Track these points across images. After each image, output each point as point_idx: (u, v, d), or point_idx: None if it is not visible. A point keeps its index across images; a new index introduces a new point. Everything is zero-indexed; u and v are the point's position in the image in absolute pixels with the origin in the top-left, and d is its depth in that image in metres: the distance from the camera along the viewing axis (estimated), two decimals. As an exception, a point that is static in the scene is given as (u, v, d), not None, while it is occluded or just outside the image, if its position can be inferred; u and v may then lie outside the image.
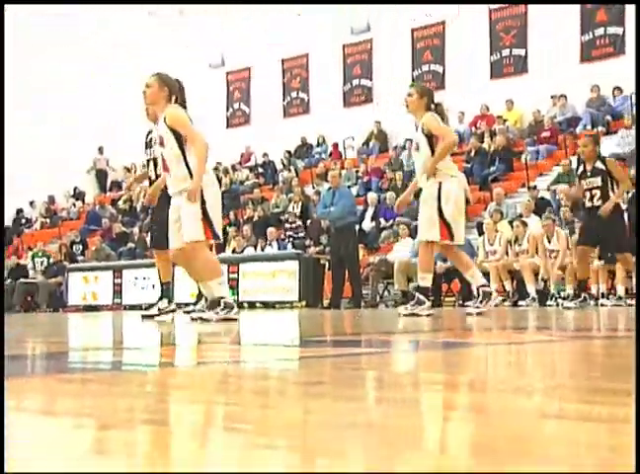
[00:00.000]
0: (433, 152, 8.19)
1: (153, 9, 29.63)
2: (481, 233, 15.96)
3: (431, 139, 8.22)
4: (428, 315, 8.30)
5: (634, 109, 19.76)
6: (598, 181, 10.61)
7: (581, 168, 11.12)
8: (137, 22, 29.68)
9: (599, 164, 10.80)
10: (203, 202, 7.52)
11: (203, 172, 7.55)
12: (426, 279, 8.57)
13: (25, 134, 28.03)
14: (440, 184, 8.17)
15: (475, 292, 8.73)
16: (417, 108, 8.39)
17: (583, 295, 11.41)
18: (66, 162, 28.39)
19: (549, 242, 14.31)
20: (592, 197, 10.70)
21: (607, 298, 13.60)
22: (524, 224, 15.20)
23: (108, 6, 29.12)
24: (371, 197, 19.67)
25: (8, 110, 27.92)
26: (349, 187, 21.35)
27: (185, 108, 8.04)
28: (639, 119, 17.14)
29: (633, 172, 16.02)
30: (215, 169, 26.19)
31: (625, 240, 11.00)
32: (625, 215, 11.24)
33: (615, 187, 10.72)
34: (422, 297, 8.50)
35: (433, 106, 8.44)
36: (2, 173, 21.44)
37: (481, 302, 8.49)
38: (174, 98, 7.95)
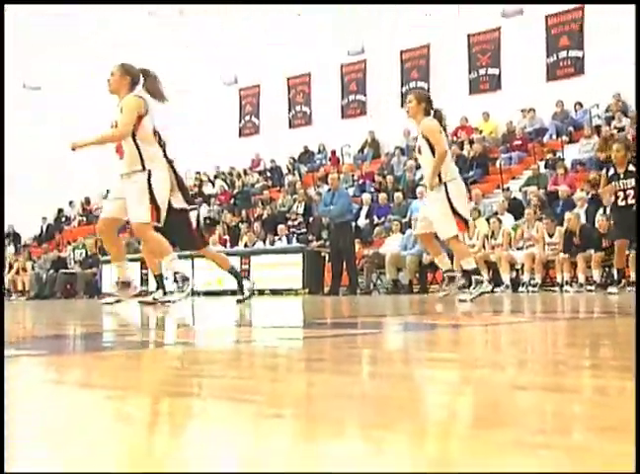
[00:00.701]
0: (433, 154, 7.97)
1: (170, 21, 28.59)
2: (461, 229, 15.98)
3: (430, 143, 8.01)
4: (491, 291, 8.14)
5: (592, 121, 19.85)
6: (632, 182, 10.64)
7: (612, 171, 11.06)
8: (140, 24, 28.45)
9: (631, 167, 10.81)
10: (151, 187, 7.36)
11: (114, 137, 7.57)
12: (470, 263, 8.31)
13: (64, 144, 27.92)
14: (446, 185, 8.01)
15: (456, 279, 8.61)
16: (416, 113, 8.11)
17: (623, 281, 11.45)
18: (99, 167, 28.33)
19: (550, 237, 14.29)
20: (625, 197, 10.71)
21: (570, 286, 13.62)
22: (499, 221, 15.23)
23: (108, 6, 27.60)
24: (366, 197, 19.67)
25: (49, 117, 27.68)
26: (346, 188, 21.36)
27: (156, 96, 7.67)
28: (639, 121, 17.00)
29: (592, 175, 16.05)
30: (230, 173, 26.25)
31: None
32: None
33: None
34: (478, 277, 8.27)
35: (432, 111, 8.15)
36: (2, 175, 20.70)
37: (447, 286, 8.40)
38: (136, 86, 7.63)
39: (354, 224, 18.92)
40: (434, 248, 8.69)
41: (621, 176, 10.80)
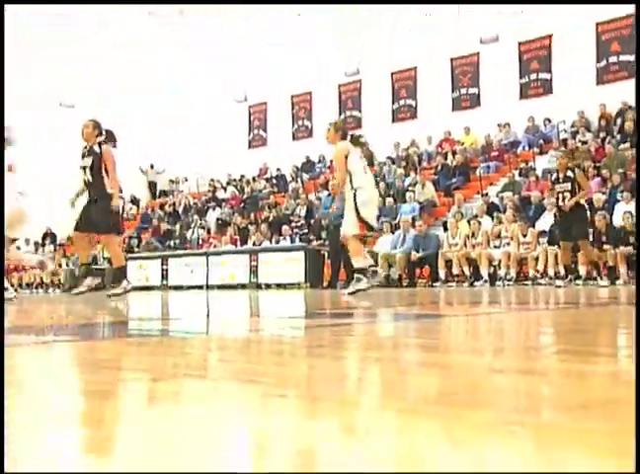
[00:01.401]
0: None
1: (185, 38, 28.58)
2: (445, 229, 15.97)
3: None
4: (367, 288, 8.19)
5: (560, 135, 19.90)
6: (568, 186, 10.78)
7: (554, 176, 11.25)
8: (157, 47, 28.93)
9: (569, 173, 10.90)
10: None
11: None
12: (359, 261, 8.43)
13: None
14: (355, 193, 8.19)
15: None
16: (333, 139, 8.46)
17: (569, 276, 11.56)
18: (124, 177, 28.35)
19: (524, 236, 14.30)
20: (563, 199, 10.85)
21: (542, 278, 13.64)
22: (479, 223, 15.23)
23: (108, 6, 26.47)
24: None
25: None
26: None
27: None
28: (639, 122, 16.96)
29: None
30: (240, 180, 26.25)
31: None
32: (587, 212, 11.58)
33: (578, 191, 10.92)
34: (360, 276, 8.33)
35: (348, 137, 8.51)
36: (2, 176, 20.46)
37: (357, 282, 8.35)
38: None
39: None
40: (355, 247, 8.69)
41: (560, 180, 10.91)
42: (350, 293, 8.12)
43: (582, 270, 12.49)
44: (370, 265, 8.50)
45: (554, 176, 11.29)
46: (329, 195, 15.76)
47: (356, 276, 8.44)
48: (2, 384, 1.27)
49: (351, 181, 8.17)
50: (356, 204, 8.17)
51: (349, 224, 8.33)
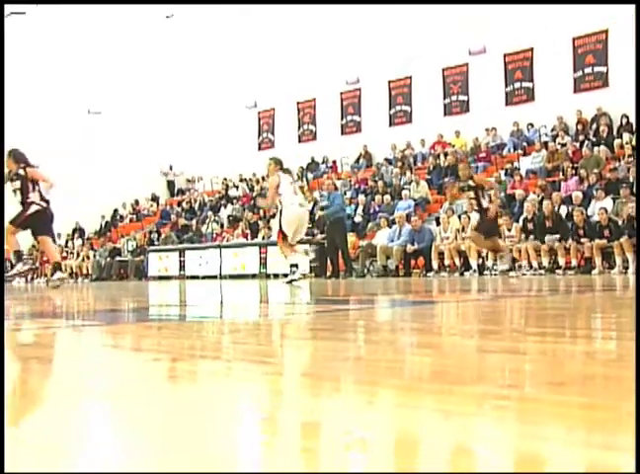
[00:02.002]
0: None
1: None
2: (438, 224, 15.96)
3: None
4: (299, 279, 9.78)
5: (541, 138, 19.87)
6: (471, 194, 10.78)
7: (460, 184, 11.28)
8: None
9: (470, 182, 10.95)
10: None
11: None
12: (290, 258, 9.91)
13: (118, 159, 27.88)
14: (281, 210, 9.50)
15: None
16: (272, 172, 9.79)
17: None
18: (144, 177, 28.39)
19: (509, 231, 14.27)
20: (470, 204, 10.98)
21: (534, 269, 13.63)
22: (469, 218, 15.18)
23: (125, 12, 26.21)
24: (361, 198, 19.62)
25: (108, 138, 27.67)
26: (345, 192, 21.35)
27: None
28: (639, 123, 16.89)
29: (541, 182, 16.05)
30: (250, 179, 26.24)
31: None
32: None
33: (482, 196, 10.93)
34: (294, 269, 10.10)
35: (283, 169, 9.81)
36: (2, 177, 20.44)
37: (293, 273, 9.95)
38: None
39: (350, 221, 18.98)
40: (287, 247, 9.81)
41: (465, 189, 11.00)
42: (287, 282, 9.68)
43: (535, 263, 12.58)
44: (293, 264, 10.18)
45: (460, 184, 11.26)
46: (321, 195, 15.76)
47: (293, 269, 10.13)
48: (2, 384, 1.26)
49: (280, 202, 9.47)
50: (280, 219, 9.52)
51: (274, 232, 10.03)
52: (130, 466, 0.82)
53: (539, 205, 14.47)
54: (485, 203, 10.92)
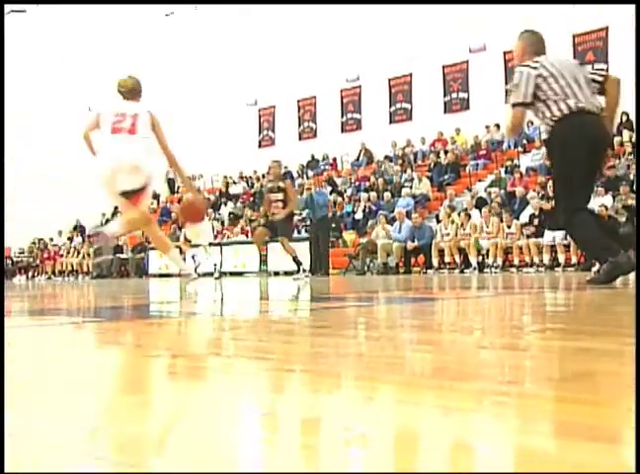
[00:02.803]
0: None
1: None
2: (438, 221, 15.95)
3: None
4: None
5: (541, 135, 19.85)
6: (280, 196, 10.79)
7: (270, 185, 11.22)
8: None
9: (281, 184, 10.94)
10: None
11: None
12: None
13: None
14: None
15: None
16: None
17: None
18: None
19: (509, 228, 14.28)
20: (277, 207, 10.79)
21: (530, 267, 13.64)
22: (469, 216, 15.19)
23: (125, 11, 26.14)
24: (362, 196, 19.62)
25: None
26: (345, 190, 21.34)
27: None
28: (639, 121, 16.89)
29: (542, 179, 16.02)
30: (251, 177, 26.24)
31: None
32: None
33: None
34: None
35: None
36: (2, 178, 19.96)
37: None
38: None
39: (351, 218, 18.96)
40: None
41: (275, 189, 10.91)
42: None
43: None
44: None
45: (270, 185, 11.24)
46: (310, 194, 15.75)
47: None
48: (2, 384, 1.26)
49: None
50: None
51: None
52: (131, 466, 0.82)
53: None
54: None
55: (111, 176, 5.81)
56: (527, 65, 5.18)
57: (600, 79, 5.27)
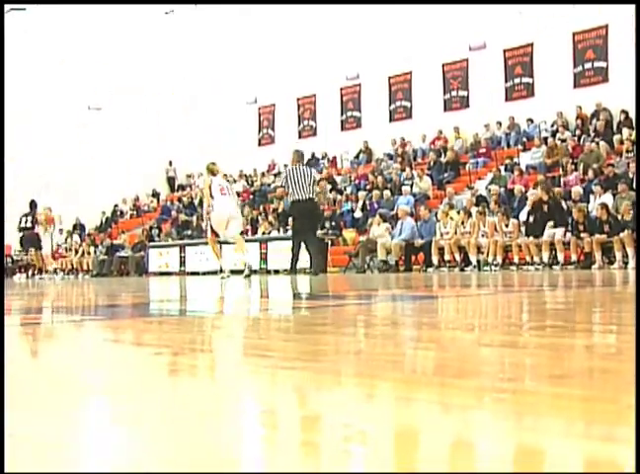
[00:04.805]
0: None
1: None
2: (438, 220, 15.94)
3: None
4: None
5: (541, 134, 19.87)
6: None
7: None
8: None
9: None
10: None
11: None
12: (223, 262, 11.75)
13: (118, 156, 27.86)
14: (209, 214, 10.84)
15: None
16: (206, 174, 11.35)
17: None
18: (144, 175, 28.37)
19: (507, 227, 14.27)
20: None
21: (532, 265, 13.61)
22: (468, 214, 15.19)
23: (124, 9, 26.12)
24: (361, 194, 19.62)
25: (107, 135, 27.64)
26: (344, 188, 21.33)
27: None
28: (639, 119, 16.85)
29: (541, 177, 16.03)
30: (251, 175, 26.25)
31: None
32: None
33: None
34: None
35: (213, 174, 11.22)
36: (2, 179, 19.82)
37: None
38: None
39: (350, 216, 18.94)
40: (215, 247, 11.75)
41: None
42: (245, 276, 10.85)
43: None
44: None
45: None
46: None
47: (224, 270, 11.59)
48: (2, 384, 1.26)
49: (209, 204, 10.74)
50: (209, 219, 10.87)
51: (208, 231, 11.21)
52: (130, 465, 0.82)
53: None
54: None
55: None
56: None
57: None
